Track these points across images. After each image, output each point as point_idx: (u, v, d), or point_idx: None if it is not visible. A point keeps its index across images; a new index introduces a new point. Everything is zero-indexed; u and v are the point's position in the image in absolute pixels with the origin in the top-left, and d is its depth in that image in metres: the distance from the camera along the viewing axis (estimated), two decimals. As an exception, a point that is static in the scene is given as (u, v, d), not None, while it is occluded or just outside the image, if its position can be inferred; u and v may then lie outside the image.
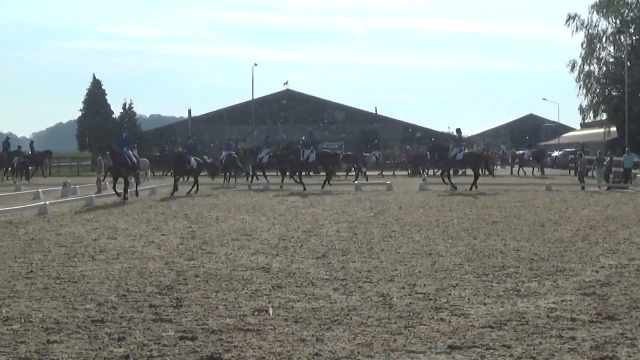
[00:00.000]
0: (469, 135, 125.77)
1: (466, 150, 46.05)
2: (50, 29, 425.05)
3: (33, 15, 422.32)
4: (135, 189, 36.56)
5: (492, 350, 8.78)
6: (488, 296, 11.94)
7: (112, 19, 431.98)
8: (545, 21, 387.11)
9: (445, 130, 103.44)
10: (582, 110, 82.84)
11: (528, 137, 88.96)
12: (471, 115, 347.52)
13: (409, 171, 68.48)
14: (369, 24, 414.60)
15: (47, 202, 27.39)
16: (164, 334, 9.52)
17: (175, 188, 38.84)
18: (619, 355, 8.54)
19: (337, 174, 54.36)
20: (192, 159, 40.62)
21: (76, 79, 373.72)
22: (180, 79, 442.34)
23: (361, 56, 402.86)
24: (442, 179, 44.44)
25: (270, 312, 10.87)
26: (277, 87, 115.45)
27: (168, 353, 8.67)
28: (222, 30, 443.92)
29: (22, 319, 10.30)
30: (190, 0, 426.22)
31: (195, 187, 39.94)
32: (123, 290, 12.45)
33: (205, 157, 49.81)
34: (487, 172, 48.31)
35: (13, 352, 8.64)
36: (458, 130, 46.77)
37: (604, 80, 79.39)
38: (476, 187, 41.51)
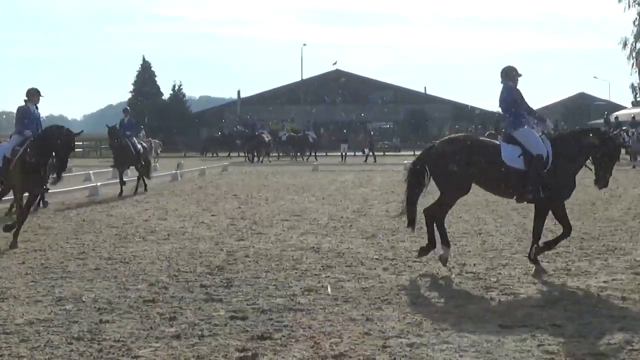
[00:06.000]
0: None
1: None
2: (104, 12, 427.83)
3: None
4: (142, 182, 28.49)
5: (542, 330, 8.74)
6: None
7: (163, 1, 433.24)
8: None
9: (496, 109, 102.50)
10: (633, 88, 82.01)
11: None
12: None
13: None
14: (417, 3, 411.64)
15: (98, 184, 27.63)
16: (214, 314, 9.60)
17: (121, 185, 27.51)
18: (671, 335, 8.46)
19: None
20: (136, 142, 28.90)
21: (127, 61, 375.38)
22: (230, 60, 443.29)
23: (410, 36, 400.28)
24: None
25: (329, 290, 10.91)
26: (326, 68, 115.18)
27: (219, 332, 8.74)
28: (271, 11, 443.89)
29: (75, 299, 10.45)
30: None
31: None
32: (174, 270, 12.56)
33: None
34: None
35: (66, 332, 8.77)
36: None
37: (656, 58, 78.39)
38: None
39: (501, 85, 13.07)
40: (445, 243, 12.63)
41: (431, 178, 12.83)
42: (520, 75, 13.02)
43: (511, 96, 12.79)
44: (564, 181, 12.51)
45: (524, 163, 12.35)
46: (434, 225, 12.83)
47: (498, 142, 12.77)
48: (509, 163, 12.34)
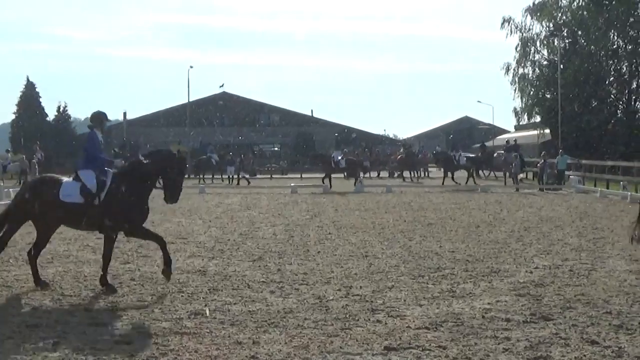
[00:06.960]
0: (405, 137, 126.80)
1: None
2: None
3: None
4: None
5: (427, 351, 8.85)
6: (424, 297, 12.03)
7: (47, 21, 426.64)
8: (481, 24, 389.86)
9: (381, 132, 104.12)
10: (516, 112, 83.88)
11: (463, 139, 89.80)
12: (408, 117, 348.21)
13: (345, 173, 68.54)
14: (308, 26, 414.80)
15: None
16: (99, 338, 9.44)
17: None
18: (552, 355, 8.67)
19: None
20: None
21: (10, 81, 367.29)
22: (116, 81, 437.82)
23: (299, 59, 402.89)
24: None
25: (207, 312, 10.86)
26: (213, 90, 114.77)
27: (104, 357, 8.60)
28: (158, 32, 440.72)
29: (-46, 325, 10.14)
30: (128, 1, 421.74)
31: None
32: (58, 294, 12.31)
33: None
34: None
35: (-56, 359, 8.51)
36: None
37: (538, 83, 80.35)
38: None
39: None
40: None
41: None
42: None
43: None
44: None
45: None
46: None
47: None
48: None
